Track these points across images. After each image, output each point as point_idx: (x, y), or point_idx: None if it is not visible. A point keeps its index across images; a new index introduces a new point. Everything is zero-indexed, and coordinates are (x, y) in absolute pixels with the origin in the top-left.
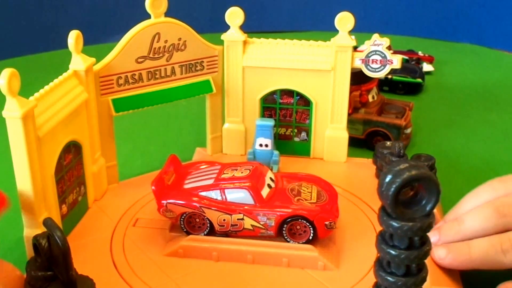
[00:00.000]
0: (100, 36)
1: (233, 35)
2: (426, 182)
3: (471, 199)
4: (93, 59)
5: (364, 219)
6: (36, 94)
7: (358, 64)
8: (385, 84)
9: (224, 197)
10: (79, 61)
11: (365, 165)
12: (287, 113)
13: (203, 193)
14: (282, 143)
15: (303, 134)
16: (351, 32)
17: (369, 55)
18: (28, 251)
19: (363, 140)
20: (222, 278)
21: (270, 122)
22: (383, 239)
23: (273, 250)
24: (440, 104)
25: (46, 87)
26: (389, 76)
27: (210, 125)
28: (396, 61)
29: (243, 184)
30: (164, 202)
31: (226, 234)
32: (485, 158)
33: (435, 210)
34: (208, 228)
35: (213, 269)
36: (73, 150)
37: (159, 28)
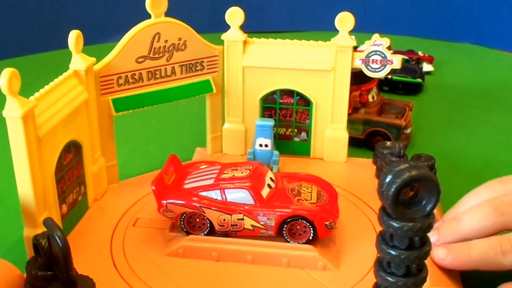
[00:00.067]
0: (100, 36)
1: (233, 35)
2: (426, 182)
3: (470, 199)
4: (93, 59)
5: (364, 219)
6: (36, 94)
7: (358, 64)
8: (385, 84)
9: (224, 197)
10: (79, 61)
11: (365, 165)
12: (287, 113)
13: (203, 193)
14: (282, 143)
15: (303, 134)
16: (351, 32)
17: (369, 55)
18: (28, 250)
19: (363, 140)
20: (222, 278)
21: (270, 122)
22: (383, 239)
23: (273, 250)
24: (440, 104)
25: (46, 87)
26: (389, 76)
27: (210, 125)
28: (396, 61)
29: (243, 184)
30: (164, 202)
31: (226, 234)
32: (485, 158)
33: (435, 211)
34: (208, 228)
35: (213, 269)
36: (73, 149)
37: (159, 28)
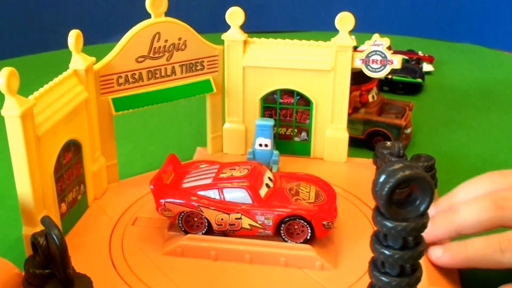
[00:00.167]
0: (100, 36)
1: (234, 35)
2: (420, 182)
3: (467, 188)
4: (93, 59)
5: (363, 219)
6: (36, 93)
7: (358, 64)
8: (385, 84)
9: (222, 196)
10: (79, 61)
11: (365, 165)
12: (287, 113)
13: (202, 193)
14: (282, 143)
15: (303, 134)
16: (351, 32)
17: (369, 55)
18: (27, 249)
19: (363, 140)
20: (220, 277)
21: (270, 122)
22: (377, 239)
23: (271, 249)
24: (440, 104)
25: (46, 86)
26: (389, 76)
27: (210, 125)
28: (396, 61)
29: (242, 183)
30: (163, 201)
31: (224, 234)
32: (485, 158)
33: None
34: (206, 227)
35: (211, 268)
36: (72, 149)
37: (159, 27)
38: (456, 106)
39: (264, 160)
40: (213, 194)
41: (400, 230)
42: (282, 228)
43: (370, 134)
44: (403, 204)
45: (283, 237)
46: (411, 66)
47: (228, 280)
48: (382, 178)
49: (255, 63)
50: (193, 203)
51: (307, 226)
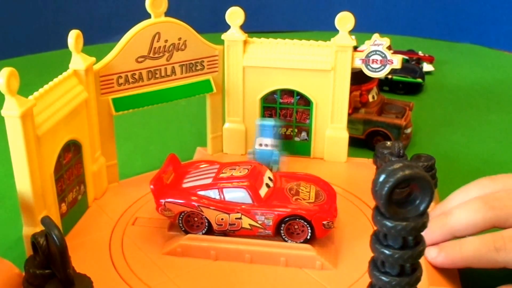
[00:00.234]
0: (100, 36)
1: (234, 35)
2: (419, 181)
3: (458, 195)
4: (93, 59)
5: (363, 219)
6: (36, 93)
7: (358, 64)
8: (385, 84)
9: (222, 196)
10: (79, 61)
11: (365, 165)
12: (287, 113)
13: (202, 192)
14: (283, 143)
15: (303, 134)
16: (351, 32)
17: (369, 55)
18: (27, 249)
19: (363, 140)
20: (220, 277)
21: (270, 122)
22: (377, 238)
23: (271, 249)
24: (440, 104)
25: (46, 86)
26: (389, 76)
27: (210, 125)
28: (396, 61)
29: (242, 183)
30: (163, 201)
31: (224, 233)
32: (485, 158)
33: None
34: (206, 227)
35: (211, 268)
36: (72, 149)
37: (159, 27)
38: (456, 106)
39: (264, 160)
40: (213, 194)
41: (400, 229)
42: (282, 228)
43: (370, 134)
44: (403, 203)
45: (283, 237)
46: (411, 66)
47: (229, 280)
48: (382, 178)
49: (255, 63)
50: (193, 203)
51: (307, 226)
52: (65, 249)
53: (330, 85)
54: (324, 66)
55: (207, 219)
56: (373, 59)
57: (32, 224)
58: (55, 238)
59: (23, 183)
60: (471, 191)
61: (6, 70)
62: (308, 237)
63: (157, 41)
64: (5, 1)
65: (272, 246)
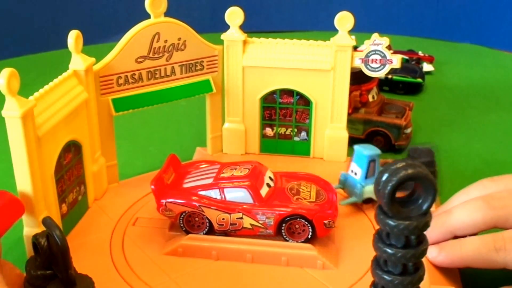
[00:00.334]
0: (100, 36)
1: (233, 34)
2: (422, 181)
3: (460, 196)
4: (93, 59)
5: (364, 218)
6: (36, 94)
7: (358, 63)
8: (385, 84)
9: (223, 196)
10: (79, 61)
11: None
12: (287, 112)
13: (202, 192)
14: (282, 143)
15: (303, 134)
16: (351, 31)
17: (369, 54)
18: (28, 250)
19: (363, 140)
20: (221, 277)
21: (367, 151)
22: (380, 237)
23: (272, 249)
24: (440, 104)
25: (46, 87)
26: (389, 76)
27: (210, 125)
28: (396, 60)
29: (242, 183)
30: (164, 201)
31: (225, 233)
32: (485, 158)
33: (432, 209)
34: (207, 227)
35: (212, 268)
36: (73, 149)
37: (159, 28)
38: (456, 106)
39: (349, 186)
40: (214, 194)
41: (402, 228)
42: (283, 228)
43: (370, 134)
44: (405, 202)
45: (284, 236)
46: (411, 66)
47: (230, 279)
48: (384, 177)
49: (255, 63)
50: (194, 203)
51: (308, 225)
52: (66, 250)
53: (330, 85)
54: (323, 66)
55: (208, 219)
56: (372, 59)
57: (32, 224)
58: (57, 239)
59: (23, 183)
60: (472, 192)
61: (7, 70)
62: (309, 236)
63: (157, 41)
64: (5, 1)
65: (273, 245)
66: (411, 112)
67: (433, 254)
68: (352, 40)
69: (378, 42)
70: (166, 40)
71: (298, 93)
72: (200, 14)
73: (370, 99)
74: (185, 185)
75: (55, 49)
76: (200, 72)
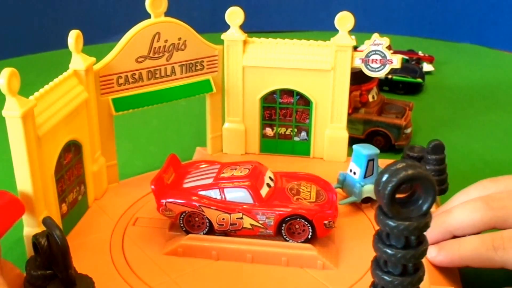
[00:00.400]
0: (100, 36)
1: (233, 34)
2: (422, 181)
3: (460, 197)
4: (93, 59)
5: (364, 219)
6: (36, 94)
7: (358, 63)
8: (385, 84)
9: (223, 196)
10: (79, 61)
11: None
12: (287, 112)
13: (203, 192)
14: (282, 143)
15: (303, 134)
16: (351, 31)
17: (369, 54)
18: (28, 250)
19: (363, 140)
20: (221, 277)
21: (365, 151)
22: (380, 238)
23: (272, 249)
24: (440, 104)
25: (46, 87)
26: (389, 76)
27: (210, 125)
28: (396, 60)
29: (243, 183)
30: (164, 201)
31: (225, 233)
32: (486, 158)
33: (432, 209)
34: (207, 227)
35: (213, 268)
36: (73, 149)
37: (159, 27)
38: (456, 106)
39: (349, 186)
40: (214, 194)
41: (402, 229)
42: (283, 228)
43: (370, 134)
44: (405, 203)
45: (284, 236)
46: (411, 66)
47: (230, 280)
48: (385, 178)
49: (255, 63)
50: (194, 203)
51: (308, 225)
52: (67, 249)
53: (330, 85)
54: (324, 66)
55: (208, 219)
56: (372, 59)
57: (32, 224)
58: (57, 238)
59: (23, 183)
60: (472, 193)
61: (7, 70)
62: (309, 236)
63: (157, 41)
64: (5, 1)
65: (273, 245)
66: (411, 112)
67: (432, 253)
68: (352, 40)
69: (379, 42)
70: (167, 40)
71: (298, 93)
72: (200, 14)
73: (370, 99)
74: (185, 185)
75: (55, 49)
76: (200, 72)
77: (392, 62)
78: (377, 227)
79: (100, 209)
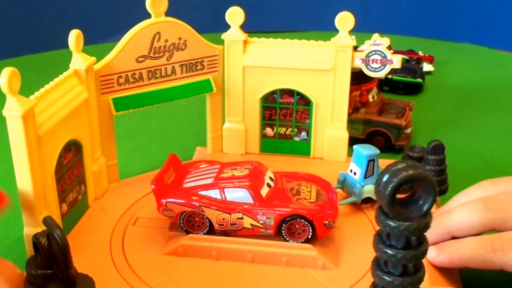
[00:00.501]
0: (100, 36)
1: (234, 34)
2: (423, 182)
3: (459, 198)
4: (94, 58)
5: (364, 219)
6: (37, 93)
7: (358, 63)
8: (385, 84)
9: (223, 196)
10: (79, 60)
11: None
12: (287, 112)
13: (203, 192)
14: (282, 143)
15: (303, 134)
16: (351, 31)
17: (369, 54)
18: (28, 249)
19: (364, 140)
20: (221, 277)
21: (366, 151)
22: (380, 238)
23: (273, 249)
24: (440, 104)
25: (47, 86)
26: (389, 76)
27: (210, 125)
28: (396, 60)
29: (243, 183)
30: (164, 201)
31: (225, 233)
32: (486, 158)
33: (432, 210)
34: (208, 227)
35: (213, 268)
36: (73, 149)
37: (160, 27)
38: (456, 106)
39: (349, 186)
40: (214, 194)
41: (403, 229)
42: (283, 228)
43: (370, 134)
44: (406, 203)
45: (285, 236)
46: (411, 66)
47: (230, 280)
48: (385, 178)
49: (255, 62)
50: (194, 203)
51: (309, 225)
52: (67, 249)
53: (330, 85)
54: (324, 66)
55: (208, 219)
56: (373, 59)
57: (33, 224)
58: (57, 238)
59: (24, 183)
60: (471, 194)
61: (8, 70)
62: (309, 236)
63: (157, 41)
64: (5, 1)
65: (274, 246)
66: (411, 112)
67: (432, 254)
68: (352, 40)
69: (379, 42)
70: (167, 40)
71: (299, 93)
72: (200, 14)
73: (370, 99)
74: (186, 185)
75: (55, 49)
76: (201, 71)
77: (392, 62)
78: (377, 228)
79: (100, 209)
